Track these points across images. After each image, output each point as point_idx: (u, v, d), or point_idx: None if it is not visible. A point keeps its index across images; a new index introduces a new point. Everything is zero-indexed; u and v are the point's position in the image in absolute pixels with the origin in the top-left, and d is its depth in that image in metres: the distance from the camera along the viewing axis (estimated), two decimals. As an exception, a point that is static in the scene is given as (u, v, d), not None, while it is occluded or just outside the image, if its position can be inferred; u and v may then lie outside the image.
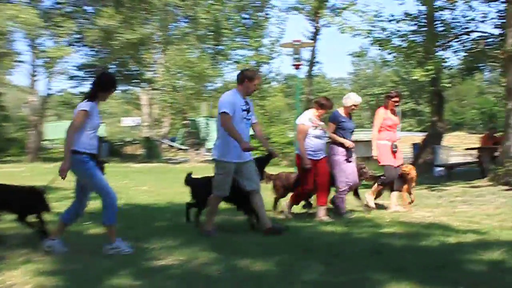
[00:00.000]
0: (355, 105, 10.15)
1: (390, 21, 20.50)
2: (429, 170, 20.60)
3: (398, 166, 10.74)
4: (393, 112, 10.96)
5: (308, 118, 9.58)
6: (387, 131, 10.72)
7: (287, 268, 5.67)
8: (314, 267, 5.64)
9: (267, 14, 34.56)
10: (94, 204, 7.69)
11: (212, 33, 33.20)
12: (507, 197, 12.47)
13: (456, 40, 21.16)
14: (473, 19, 21.19)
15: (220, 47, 34.39)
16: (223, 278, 5.31)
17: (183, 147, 38.45)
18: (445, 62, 20.81)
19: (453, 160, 22.45)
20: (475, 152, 19.64)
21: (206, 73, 31.90)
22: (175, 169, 25.08)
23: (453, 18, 21.16)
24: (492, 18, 21.76)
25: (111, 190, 6.52)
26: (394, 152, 10.65)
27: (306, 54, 34.81)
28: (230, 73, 34.31)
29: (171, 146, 41.84)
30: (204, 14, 31.79)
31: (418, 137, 29.96)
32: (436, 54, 19.34)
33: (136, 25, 30.35)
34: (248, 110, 7.90)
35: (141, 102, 41.96)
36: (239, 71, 8.20)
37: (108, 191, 6.50)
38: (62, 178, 6.28)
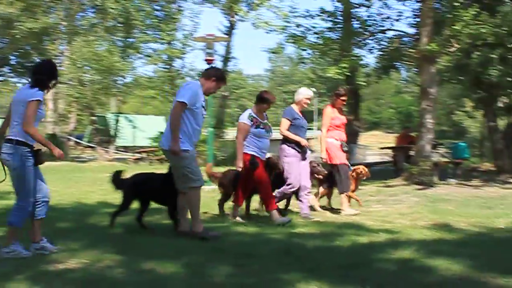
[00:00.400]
0: (307, 99, 9.84)
1: (305, 17, 19.94)
2: None
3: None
4: (341, 111, 10.72)
5: (248, 116, 9.13)
6: (336, 130, 10.48)
7: (196, 269, 5.57)
8: (224, 268, 5.57)
9: (180, 6, 33.39)
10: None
11: (122, 25, 31.72)
12: (420, 196, 12.91)
13: (371, 38, 20.98)
14: (388, 18, 21.24)
15: (130, 39, 32.91)
16: (128, 282, 5.13)
17: (91, 144, 36.95)
18: (361, 60, 20.58)
19: (369, 159, 22.69)
20: (390, 151, 19.74)
21: (115, 67, 30.48)
22: (82, 167, 24.72)
23: (368, 16, 20.96)
24: (408, 17, 21.91)
25: (32, 194, 6.24)
26: (344, 152, 10.46)
27: (221, 49, 34.12)
28: (141, 68, 33.02)
29: (78, 144, 40.23)
30: (113, 4, 30.26)
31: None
32: (352, 52, 19.03)
33: (39, 13, 28.75)
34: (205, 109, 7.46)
35: (45, 97, 39.98)
36: (210, 66, 7.74)
37: (30, 195, 6.22)
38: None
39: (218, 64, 34.64)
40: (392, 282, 5.07)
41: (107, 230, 7.95)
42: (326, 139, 10.43)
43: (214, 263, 5.71)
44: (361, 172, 10.64)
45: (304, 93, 9.91)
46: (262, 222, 8.89)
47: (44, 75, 6.37)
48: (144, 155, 29.20)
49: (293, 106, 9.96)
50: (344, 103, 10.86)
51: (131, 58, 33.43)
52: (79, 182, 16.13)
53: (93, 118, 33.04)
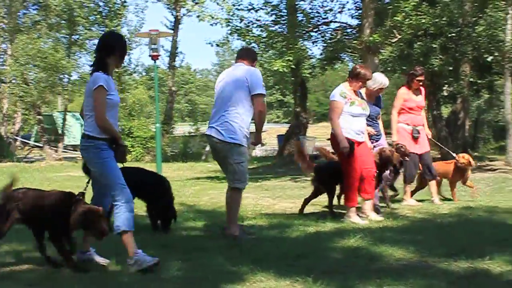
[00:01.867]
0: (381, 89, 9.04)
1: (249, 10, 19.94)
2: (293, 161, 20.44)
3: (421, 154, 9.98)
4: (418, 92, 10.12)
5: (340, 93, 8.03)
6: (409, 114, 9.95)
7: None
8: (172, 263, 5.47)
9: (124, 2, 32.99)
10: None
11: (66, 22, 31.17)
12: None
13: (315, 30, 21.18)
14: (331, 10, 21.39)
15: (75, 36, 32.39)
16: (77, 278, 5.05)
17: (38, 144, 36.27)
18: (306, 52, 20.73)
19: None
20: None
21: (61, 65, 29.94)
22: (29, 168, 23.99)
23: (311, 8, 21.14)
24: (350, 9, 22.24)
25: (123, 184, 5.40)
26: (415, 138, 9.86)
27: (167, 44, 33.90)
28: (87, 65, 32.53)
29: (25, 144, 39.48)
30: (55, 1, 29.72)
31: (285, 128, 30.08)
32: (297, 44, 19.17)
33: (-21, 11, 28.03)
34: None
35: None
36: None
37: (122, 185, 5.39)
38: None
39: (165, 59, 34.51)
40: (338, 270, 5.15)
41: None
42: (397, 124, 9.96)
43: (162, 258, 5.51)
44: (463, 161, 10.16)
45: (381, 80, 9.01)
46: (212, 216, 8.80)
47: (102, 51, 5.58)
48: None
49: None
50: (421, 84, 10.09)
51: (77, 55, 32.90)
52: (25, 183, 15.68)
53: (40, 117, 32.40)
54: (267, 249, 6.09)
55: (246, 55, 7.40)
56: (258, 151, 31.83)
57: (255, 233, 7.16)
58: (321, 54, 22.72)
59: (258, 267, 5.19)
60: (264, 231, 7.34)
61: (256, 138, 7.04)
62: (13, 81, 31.60)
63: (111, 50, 5.57)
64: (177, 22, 32.89)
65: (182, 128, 37.39)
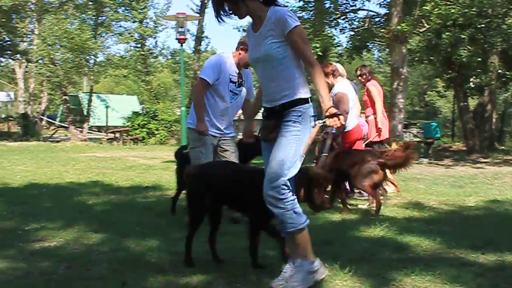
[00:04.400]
0: None
1: (277, -5, 19.77)
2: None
3: None
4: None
5: None
6: None
7: (171, 247, 5.54)
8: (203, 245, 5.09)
9: (151, -16, 33.10)
10: None
11: (92, 3, 31.29)
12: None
13: (343, 18, 21.00)
14: None
15: (101, 18, 32.50)
16: (103, 260, 5.07)
17: (63, 124, 36.56)
18: (333, 39, 20.60)
19: None
20: None
21: (87, 46, 30.09)
22: (55, 147, 24.28)
23: (340, -5, 20.90)
24: None
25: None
26: None
27: (193, 28, 33.87)
28: (114, 46, 32.64)
29: (51, 124, 39.82)
30: (83, -19, 29.90)
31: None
32: (325, 31, 19.05)
33: (8, -10, 28.21)
34: (240, 84, 6.69)
35: (16, 76, 39.50)
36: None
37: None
38: None
39: (190, 43, 34.51)
40: (365, 258, 5.12)
41: (82, 209, 7.89)
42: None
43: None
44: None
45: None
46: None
47: None
48: (117, 135, 29.01)
49: None
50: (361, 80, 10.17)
51: (103, 37, 33.03)
52: (51, 162, 15.97)
53: (66, 97, 32.63)
54: (292, 236, 6.07)
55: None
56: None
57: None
58: (348, 42, 22.51)
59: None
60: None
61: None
62: (40, 61, 31.84)
63: None
64: (203, 6, 32.82)
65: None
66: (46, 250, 5.46)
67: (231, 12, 4.16)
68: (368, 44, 22.94)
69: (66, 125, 33.65)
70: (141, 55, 35.03)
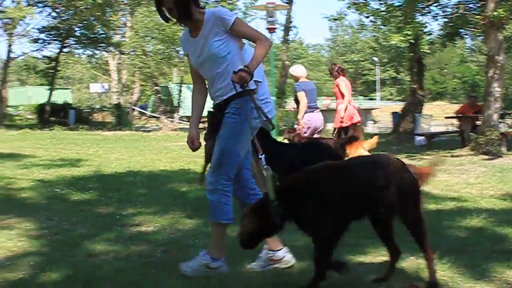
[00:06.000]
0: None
1: (367, -18, 19.51)
2: (409, 139, 20.53)
3: None
4: None
5: None
6: None
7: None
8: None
9: (240, -25, 33.29)
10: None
11: (184, -5, 31.73)
12: (487, 166, 12.56)
13: (436, 4, 20.47)
14: None
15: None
16: (197, 245, 5.23)
17: (154, 114, 37.41)
18: (425, 27, 20.12)
19: (434, 129, 22.32)
20: (456, 121, 19.36)
21: (177, 37, 30.61)
22: (147, 137, 24.95)
23: (432, -19, 20.36)
24: None
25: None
26: None
27: (281, 18, 33.88)
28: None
29: (142, 114, 40.84)
30: (173, -26, 30.33)
31: (398, 106, 29.54)
32: (416, 18, 18.61)
33: (102, -15, 28.98)
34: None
35: (109, 67, 40.74)
36: None
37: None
38: None
39: (279, 33, 34.52)
40: (463, 249, 5.01)
41: (176, 195, 8.09)
42: None
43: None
44: None
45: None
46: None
47: None
48: (207, 124, 29.37)
49: None
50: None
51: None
52: (144, 151, 16.43)
53: (157, 88, 33.35)
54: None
55: None
56: (371, 128, 31.38)
57: None
58: (441, 29, 21.93)
59: (379, 241, 4.99)
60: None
61: None
62: (132, 52, 32.65)
63: None
64: (291, -5, 32.73)
65: (292, 104, 37.44)
66: (143, 235, 5.65)
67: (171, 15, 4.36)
68: (461, 31, 22.29)
69: (157, 115, 34.39)
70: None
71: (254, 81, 4.86)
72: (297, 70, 10.65)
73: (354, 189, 3.88)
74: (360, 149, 9.53)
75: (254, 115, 4.39)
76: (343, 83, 11.54)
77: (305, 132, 9.91)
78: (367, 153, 9.88)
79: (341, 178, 3.93)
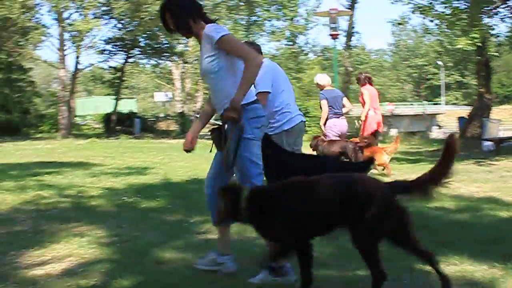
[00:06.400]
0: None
1: (432, -14, 19.21)
2: (476, 144, 19.86)
3: None
4: None
5: None
6: None
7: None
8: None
9: (302, -18, 33.30)
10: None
11: (244, 3, 32.00)
12: None
13: (503, 6, 19.93)
14: None
15: (253, 17, 33.19)
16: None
17: (218, 122, 37.70)
18: (492, 29, 19.67)
19: (502, 133, 21.75)
20: None
21: (239, 45, 30.86)
22: (210, 145, 24.59)
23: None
24: None
25: None
26: None
27: (343, 23, 33.72)
28: (265, 45, 33.21)
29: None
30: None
31: (464, 110, 28.90)
32: (482, 21, 18.19)
33: (165, -4, 29.47)
34: None
35: (173, 76, 41.33)
36: None
37: None
38: None
39: (342, 39, 34.36)
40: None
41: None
42: None
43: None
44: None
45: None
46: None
47: None
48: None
49: None
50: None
51: (255, 36, 33.72)
52: (209, 159, 16.22)
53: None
54: (456, 232, 5.89)
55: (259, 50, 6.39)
56: (436, 133, 30.79)
57: None
58: (509, 31, 21.33)
59: (449, 249, 5.01)
60: (451, 215, 7.04)
61: None
62: (195, 61, 33.07)
63: None
64: (353, 1, 32.55)
65: (357, 110, 37.20)
66: (211, 242, 5.64)
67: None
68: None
69: (220, 123, 34.63)
70: (292, 52, 35.39)
71: (261, 92, 5.46)
72: (322, 79, 11.39)
73: (315, 208, 3.86)
74: (382, 155, 11.21)
75: (257, 125, 4.51)
76: (367, 92, 12.19)
77: (328, 137, 10.75)
78: (388, 158, 11.42)
79: (303, 196, 3.92)
